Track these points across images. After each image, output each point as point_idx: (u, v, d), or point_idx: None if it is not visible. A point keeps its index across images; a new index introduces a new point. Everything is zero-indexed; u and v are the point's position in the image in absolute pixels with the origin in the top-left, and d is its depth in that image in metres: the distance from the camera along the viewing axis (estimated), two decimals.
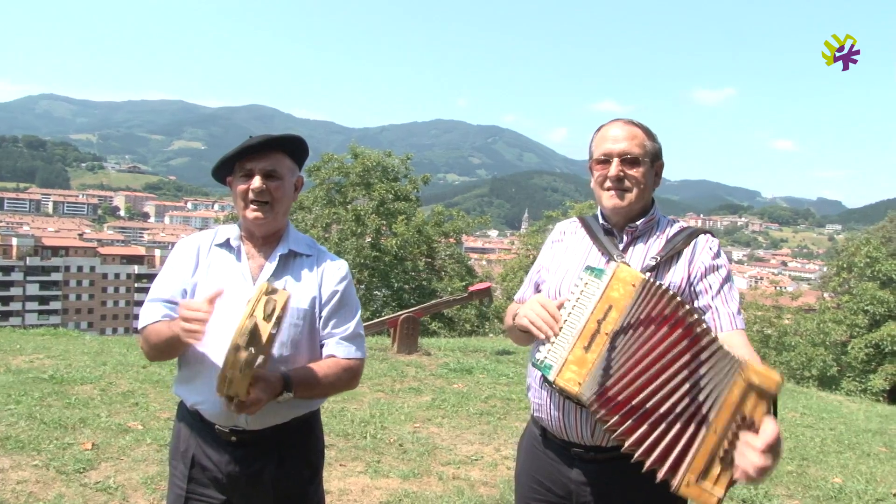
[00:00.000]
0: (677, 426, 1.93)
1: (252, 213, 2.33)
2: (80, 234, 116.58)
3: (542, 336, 2.14)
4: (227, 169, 2.43)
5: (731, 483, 1.88)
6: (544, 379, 2.17)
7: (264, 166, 2.33)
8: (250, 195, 2.32)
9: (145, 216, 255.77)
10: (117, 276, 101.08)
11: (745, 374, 1.88)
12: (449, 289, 27.21)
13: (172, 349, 2.26)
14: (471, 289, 13.16)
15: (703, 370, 1.94)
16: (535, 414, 2.40)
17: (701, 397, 1.92)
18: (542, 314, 2.14)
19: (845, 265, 27.59)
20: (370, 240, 28.52)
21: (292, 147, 2.41)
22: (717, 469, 1.88)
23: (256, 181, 2.31)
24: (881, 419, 8.99)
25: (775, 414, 1.91)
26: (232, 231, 2.45)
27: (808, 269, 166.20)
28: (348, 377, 2.38)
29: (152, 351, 2.31)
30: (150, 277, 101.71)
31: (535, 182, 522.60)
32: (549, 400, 2.29)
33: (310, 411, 2.46)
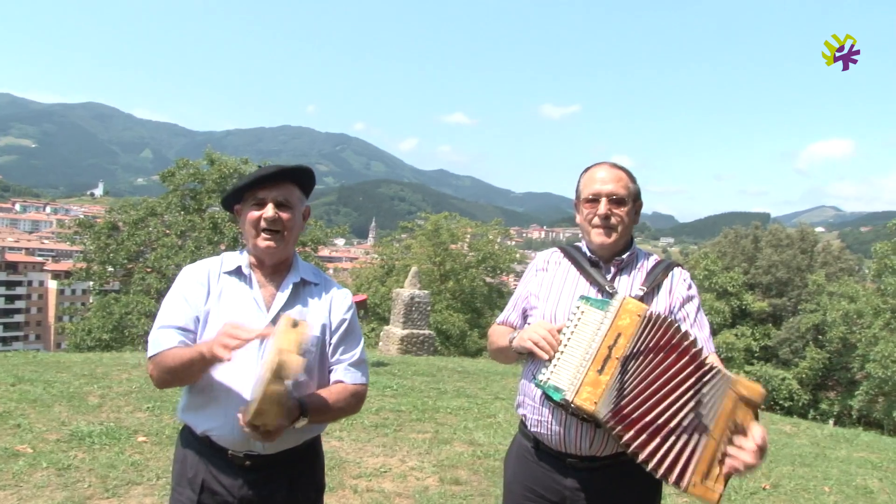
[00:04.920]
0: (684, 437, 2.21)
1: (264, 241, 2.37)
2: None
3: (545, 356, 2.36)
4: (236, 197, 2.45)
5: (727, 479, 2.19)
6: (546, 397, 2.38)
7: (276, 196, 2.37)
8: (262, 224, 2.36)
9: None
10: None
11: (736, 388, 2.21)
12: None
13: (191, 372, 2.25)
14: None
15: (705, 389, 2.23)
16: (532, 429, 2.58)
17: (703, 411, 2.22)
18: (548, 338, 2.36)
19: None
20: (225, 248, 27.86)
21: (302, 178, 2.47)
22: (716, 470, 2.19)
23: (269, 210, 2.36)
24: None
25: (757, 419, 2.24)
26: (241, 259, 2.46)
27: None
28: (356, 402, 2.47)
29: (166, 375, 2.28)
30: None
31: (382, 191, 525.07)
32: (550, 416, 2.48)
33: (315, 435, 2.53)
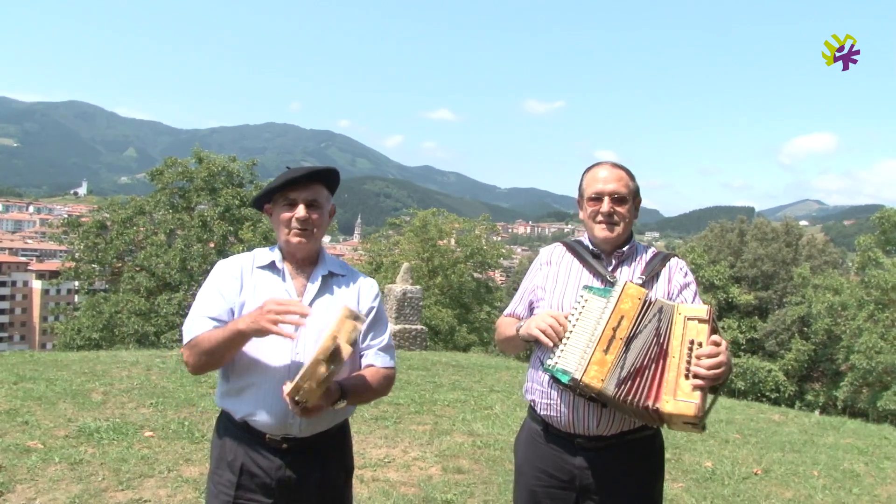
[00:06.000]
0: (652, 367, 2.43)
1: (296, 237, 2.53)
2: None
3: (551, 343, 2.54)
4: (266, 198, 2.61)
5: (702, 390, 2.37)
6: (555, 380, 2.56)
7: (307, 196, 2.54)
8: (294, 223, 2.52)
9: None
10: None
11: (679, 311, 2.47)
12: None
13: (227, 351, 2.38)
14: None
15: (661, 323, 2.46)
16: (541, 413, 2.75)
17: (661, 340, 2.45)
18: (554, 325, 2.55)
19: None
20: (214, 246, 27.92)
21: (329, 178, 2.63)
22: (687, 385, 2.38)
23: (301, 210, 2.52)
24: (726, 410, 9.96)
25: (717, 329, 2.49)
26: (274, 254, 2.62)
27: None
28: (387, 384, 2.64)
29: (202, 357, 2.41)
30: None
31: (367, 188, 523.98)
32: (559, 398, 2.66)
33: (345, 419, 2.68)
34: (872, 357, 26.17)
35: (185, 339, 2.47)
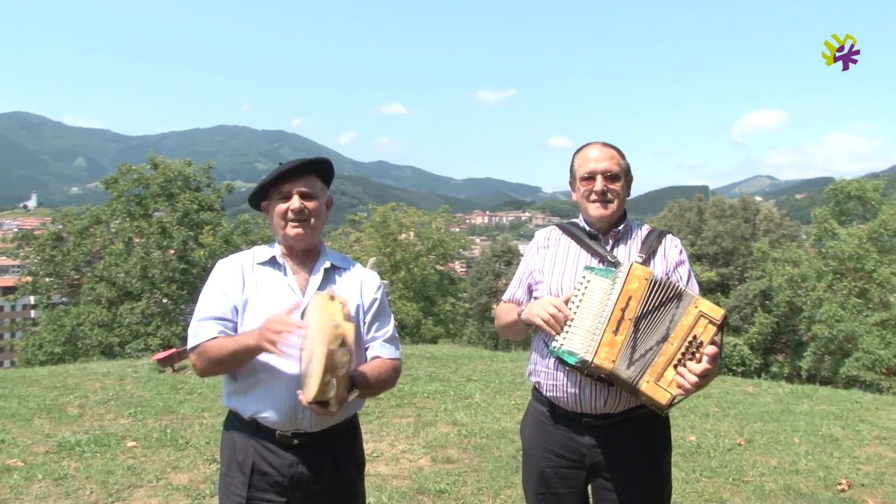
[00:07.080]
0: (651, 346, 2.47)
1: (293, 229, 2.50)
2: None
3: (553, 333, 2.55)
4: (262, 195, 2.57)
5: (682, 389, 2.41)
6: (561, 362, 2.57)
7: (300, 188, 2.50)
8: (290, 214, 2.49)
9: None
10: None
11: (697, 304, 2.47)
12: None
13: (237, 362, 2.37)
14: None
15: (674, 308, 2.49)
16: (547, 394, 2.76)
17: (669, 323, 2.47)
18: (555, 313, 2.56)
19: None
20: (174, 252, 27.50)
21: (322, 169, 2.60)
22: (671, 374, 2.42)
23: (295, 201, 2.48)
24: None
25: (722, 334, 2.53)
26: (274, 250, 2.58)
27: None
28: (395, 375, 2.61)
29: (211, 365, 2.39)
30: None
31: None
32: (565, 379, 2.67)
33: (354, 413, 2.66)
34: (833, 326, 26.73)
35: (191, 343, 2.44)
